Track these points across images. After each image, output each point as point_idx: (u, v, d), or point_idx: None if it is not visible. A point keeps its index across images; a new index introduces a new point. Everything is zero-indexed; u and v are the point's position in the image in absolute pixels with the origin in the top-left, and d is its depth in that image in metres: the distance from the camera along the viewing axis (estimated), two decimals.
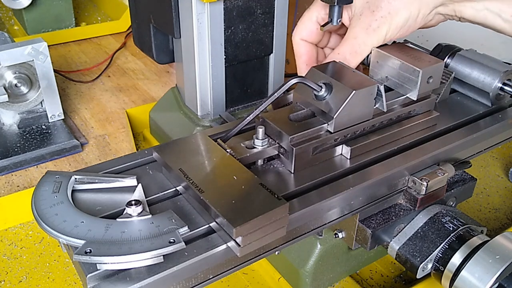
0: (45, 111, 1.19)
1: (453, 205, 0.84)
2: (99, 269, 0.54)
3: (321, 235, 0.81)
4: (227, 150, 0.68)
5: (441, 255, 0.73)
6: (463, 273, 0.69)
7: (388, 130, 0.78)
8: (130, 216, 0.59)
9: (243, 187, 0.62)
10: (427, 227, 0.76)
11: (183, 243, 0.55)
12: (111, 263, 0.53)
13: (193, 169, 0.65)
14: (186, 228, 0.58)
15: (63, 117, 1.22)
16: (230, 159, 0.67)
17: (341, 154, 0.75)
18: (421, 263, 0.73)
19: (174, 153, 0.68)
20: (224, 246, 0.59)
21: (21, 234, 0.98)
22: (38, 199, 0.61)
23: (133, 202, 0.60)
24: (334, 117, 0.70)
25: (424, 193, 0.74)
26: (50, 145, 1.14)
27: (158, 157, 0.69)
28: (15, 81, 1.12)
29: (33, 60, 1.12)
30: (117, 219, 0.59)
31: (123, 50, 1.66)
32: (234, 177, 0.63)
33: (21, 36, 1.71)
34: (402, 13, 0.72)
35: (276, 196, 0.60)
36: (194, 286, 0.60)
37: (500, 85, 0.87)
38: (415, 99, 0.77)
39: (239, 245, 0.57)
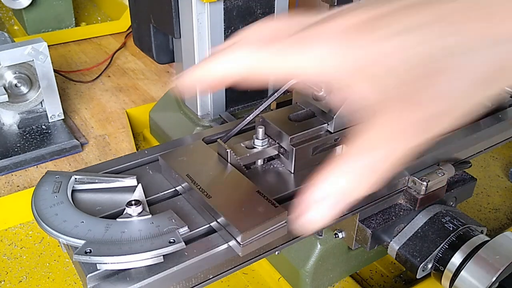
0: (45, 111, 1.19)
1: (453, 205, 0.84)
2: (99, 269, 0.54)
3: (321, 235, 0.81)
4: (227, 150, 0.68)
5: (441, 255, 0.73)
6: (463, 273, 0.69)
7: None
8: (130, 216, 0.59)
9: (244, 193, 0.62)
10: (427, 227, 0.76)
11: (183, 243, 0.55)
12: (111, 263, 0.53)
13: (199, 175, 0.65)
14: (186, 228, 0.58)
15: (63, 117, 1.22)
16: (231, 167, 0.68)
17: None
18: (421, 263, 0.73)
19: (179, 160, 0.69)
20: (224, 246, 0.59)
21: (21, 234, 0.98)
22: (38, 199, 0.61)
23: (133, 202, 0.60)
24: (334, 117, 0.70)
25: (424, 193, 0.74)
26: (50, 145, 1.14)
27: (164, 164, 0.69)
28: (15, 81, 1.12)
29: (33, 60, 1.12)
30: (117, 219, 0.59)
31: (123, 50, 1.66)
32: (235, 183, 0.64)
33: (21, 36, 1.71)
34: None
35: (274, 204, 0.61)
36: (194, 286, 0.59)
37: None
38: None
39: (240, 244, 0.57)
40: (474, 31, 0.35)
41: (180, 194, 0.67)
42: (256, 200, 0.61)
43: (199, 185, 0.63)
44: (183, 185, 0.66)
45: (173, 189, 0.68)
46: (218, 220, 0.59)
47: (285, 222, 0.60)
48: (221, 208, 0.59)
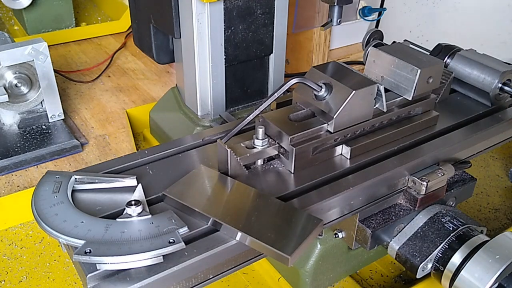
0: (45, 111, 1.19)
1: (453, 205, 0.84)
2: (99, 269, 0.54)
3: (321, 235, 0.81)
4: (227, 150, 0.68)
5: (441, 255, 0.73)
6: (463, 273, 0.69)
7: (388, 130, 0.78)
8: (130, 216, 0.59)
9: (273, 212, 0.62)
10: (427, 227, 0.76)
11: (183, 243, 0.55)
12: (110, 263, 0.53)
13: (215, 206, 0.63)
14: (186, 228, 0.58)
15: (63, 117, 1.22)
16: (239, 185, 0.67)
17: (341, 154, 0.75)
18: (421, 263, 0.73)
19: (187, 193, 0.65)
20: (224, 246, 0.59)
21: (21, 234, 0.98)
22: (38, 199, 0.61)
23: (133, 202, 0.60)
24: (334, 117, 0.70)
25: (424, 193, 0.74)
26: (50, 145, 1.14)
27: (172, 201, 0.65)
28: (15, 81, 1.12)
29: (33, 60, 1.12)
30: (117, 219, 0.59)
31: (123, 50, 1.66)
32: (255, 203, 0.64)
33: (21, 36, 1.71)
34: None
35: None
36: (194, 286, 0.60)
37: (500, 85, 0.87)
38: (410, 99, 0.77)
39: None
40: None
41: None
42: (288, 214, 0.61)
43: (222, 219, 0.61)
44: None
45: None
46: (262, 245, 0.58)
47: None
48: (260, 235, 0.58)
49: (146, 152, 0.75)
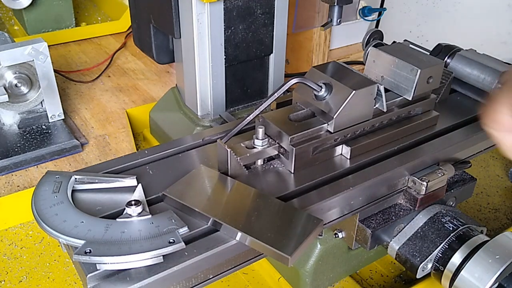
0: (45, 111, 1.19)
1: (453, 205, 0.84)
2: (99, 269, 0.54)
3: (321, 235, 0.81)
4: (227, 150, 0.68)
5: (441, 255, 0.73)
6: (463, 273, 0.69)
7: (388, 130, 0.78)
8: (130, 216, 0.59)
9: (273, 212, 0.62)
10: (427, 227, 0.76)
11: (183, 243, 0.55)
12: (110, 263, 0.53)
13: (215, 206, 0.63)
14: (186, 228, 0.58)
15: (63, 117, 1.22)
16: (239, 185, 0.67)
17: (341, 154, 0.75)
18: (421, 263, 0.73)
19: (187, 193, 0.65)
20: (224, 246, 0.59)
21: (21, 234, 0.98)
22: (38, 199, 0.61)
23: (133, 202, 0.60)
24: (334, 117, 0.70)
25: (424, 193, 0.74)
26: (50, 145, 1.14)
27: (172, 201, 0.65)
28: (15, 81, 1.12)
29: (33, 60, 1.12)
30: (117, 219, 0.59)
31: (123, 50, 1.66)
32: (255, 203, 0.64)
33: (21, 36, 1.71)
34: None
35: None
36: (194, 286, 0.60)
37: (500, 85, 0.87)
38: (410, 99, 0.77)
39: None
40: None
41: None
42: (288, 214, 0.61)
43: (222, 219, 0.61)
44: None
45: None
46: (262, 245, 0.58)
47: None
48: (260, 235, 0.58)
49: (146, 152, 0.75)
